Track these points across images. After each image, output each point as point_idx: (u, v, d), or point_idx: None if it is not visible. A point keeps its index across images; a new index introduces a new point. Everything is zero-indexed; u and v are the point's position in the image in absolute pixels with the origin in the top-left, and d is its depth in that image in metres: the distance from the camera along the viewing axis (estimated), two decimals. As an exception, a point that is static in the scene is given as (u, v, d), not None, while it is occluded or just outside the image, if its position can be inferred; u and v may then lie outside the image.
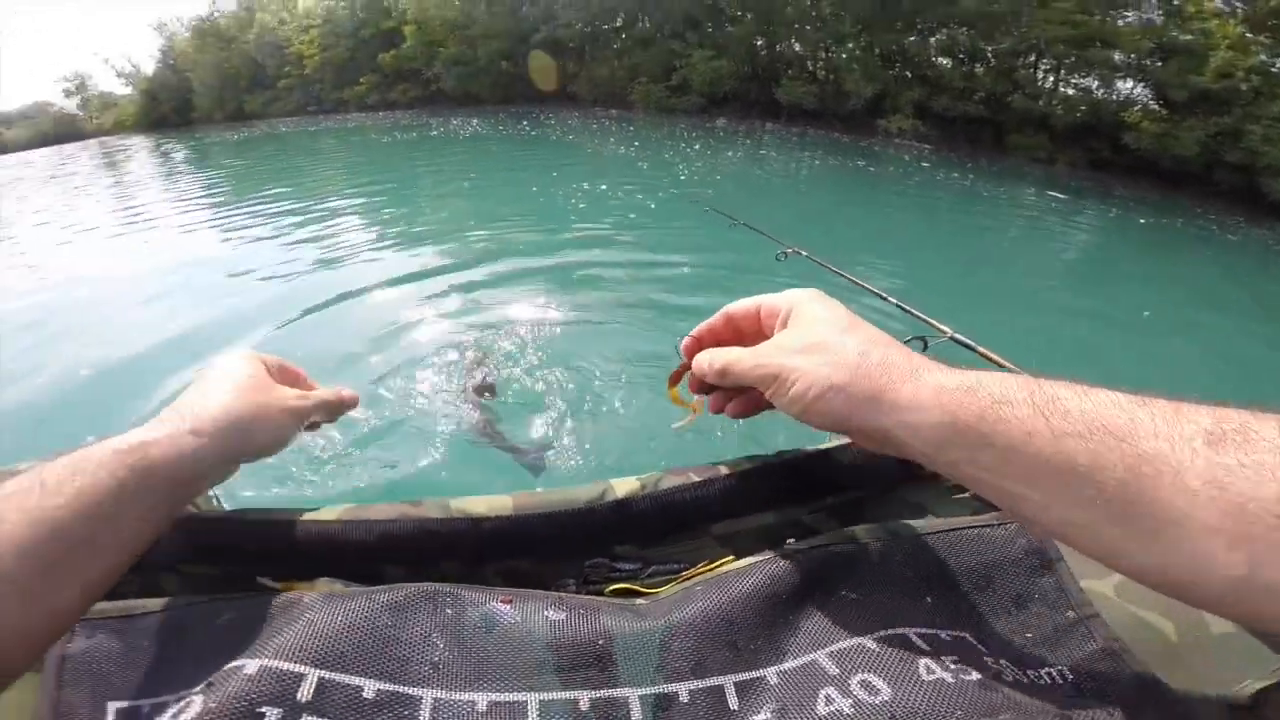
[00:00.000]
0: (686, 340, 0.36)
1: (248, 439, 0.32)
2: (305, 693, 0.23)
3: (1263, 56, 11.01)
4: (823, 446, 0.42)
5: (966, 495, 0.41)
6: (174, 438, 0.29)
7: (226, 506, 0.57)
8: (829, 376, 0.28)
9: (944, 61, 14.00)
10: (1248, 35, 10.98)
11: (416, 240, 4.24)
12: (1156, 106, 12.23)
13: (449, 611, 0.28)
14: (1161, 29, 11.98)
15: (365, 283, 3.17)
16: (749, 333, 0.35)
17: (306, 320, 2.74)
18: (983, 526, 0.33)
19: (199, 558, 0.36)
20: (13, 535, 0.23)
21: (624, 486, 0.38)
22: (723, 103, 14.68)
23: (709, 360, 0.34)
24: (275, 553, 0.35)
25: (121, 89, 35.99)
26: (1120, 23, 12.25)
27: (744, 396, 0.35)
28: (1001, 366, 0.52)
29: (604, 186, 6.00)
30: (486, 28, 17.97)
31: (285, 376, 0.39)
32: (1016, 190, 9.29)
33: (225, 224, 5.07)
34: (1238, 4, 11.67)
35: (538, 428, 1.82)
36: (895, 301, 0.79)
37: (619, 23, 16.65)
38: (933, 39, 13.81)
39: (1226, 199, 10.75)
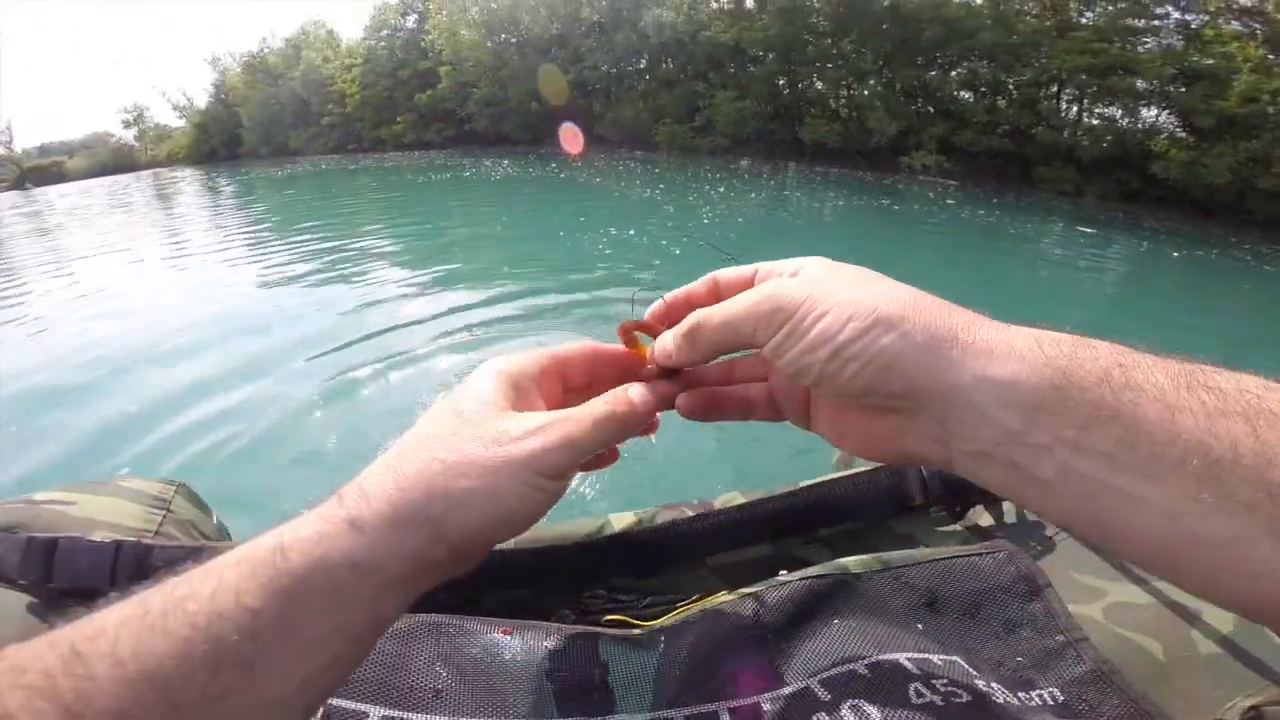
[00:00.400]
0: (657, 306, 0.28)
1: (444, 526, 0.21)
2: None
3: None
4: (816, 481, 0.42)
5: (957, 527, 0.42)
6: (325, 537, 0.20)
7: (235, 537, 0.57)
8: (874, 306, 0.20)
9: (966, 95, 14.07)
10: (1269, 57, 10.84)
11: (451, 280, 4.39)
12: (1183, 134, 12.05)
13: (452, 641, 0.28)
14: (1182, 54, 11.84)
15: (398, 319, 3.31)
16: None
17: (343, 352, 2.85)
18: (972, 556, 0.34)
19: None
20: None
21: (621, 521, 0.39)
22: (746, 143, 14.89)
23: (675, 329, 0.26)
24: None
25: (176, 121, 38.89)
26: (1141, 49, 12.18)
27: (709, 389, 0.28)
28: None
29: (631, 231, 6.11)
30: (517, 70, 18.82)
31: (545, 381, 0.26)
32: (1044, 225, 9.16)
33: (272, 258, 5.34)
34: (1256, 25, 11.61)
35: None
36: None
37: (643, 64, 17.28)
38: (953, 73, 13.93)
39: (1262, 227, 10.43)
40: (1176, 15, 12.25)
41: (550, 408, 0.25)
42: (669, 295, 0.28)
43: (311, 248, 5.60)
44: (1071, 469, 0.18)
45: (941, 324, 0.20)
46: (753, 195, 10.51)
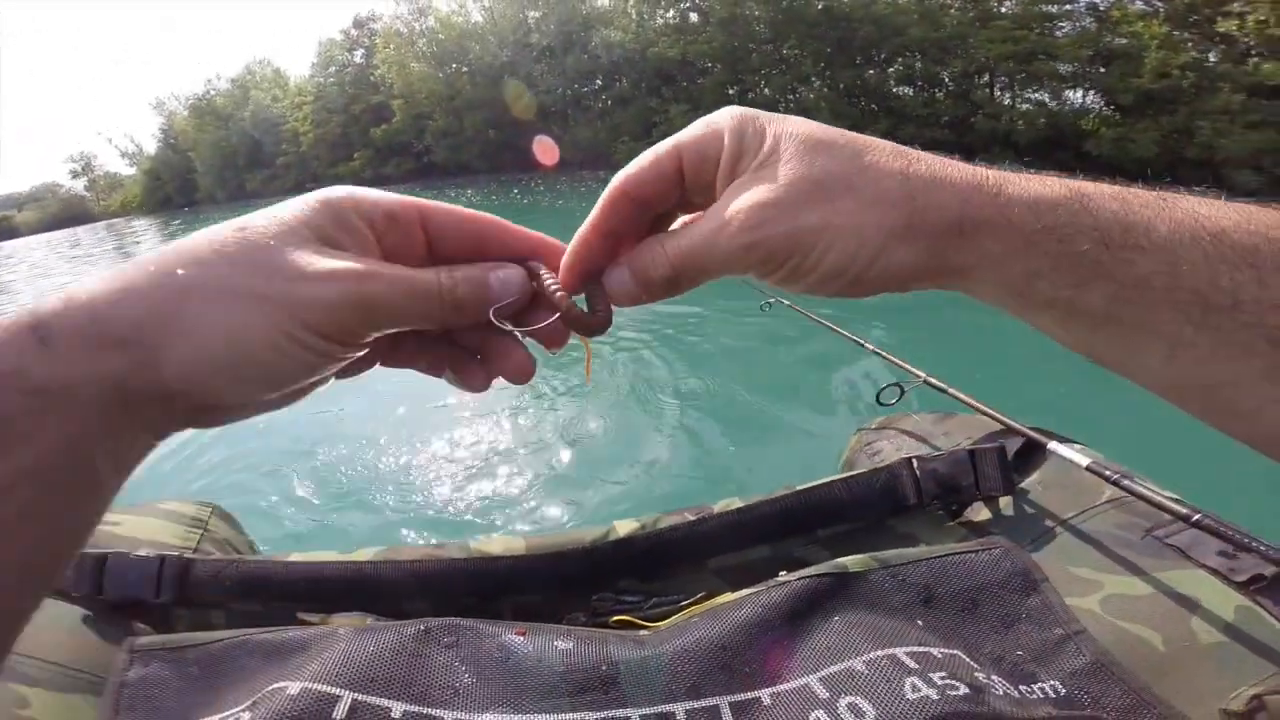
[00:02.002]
0: (569, 257, 0.22)
1: (157, 354, 0.16)
2: (340, 712, 0.25)
3: (1194, 53, 11.58)
4: (813, 484, 0.43)
5: (954, 525, 0.43)
6: (6, 355, 0.15)
7: (264, 549, 0.59)
8: (880, 222, 0.19)
9: (905, 91, 14.69)
10: (1174, 34, 11.54)
11: None
12: (1110, 112, 12.77)
13: (469, 642, 0.30)
14: (1096, 36, 12.62)
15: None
16: (667, 210, 0.23)
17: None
18: (968, 552, 0.34)
19: (246, 597, 0.40)
20: None
21: (625, 527, 0.41)
22: (702, 153, 15.39)
23: (650, 259, 0.21)
24: (316, 590, 0.39)
25: (126, 169, 37.65)
26: (1059, 34, 12.89)
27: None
28: (978, 410, 0.52)
29: None
30: (471, 99, 18.91)
31: (390, 231, 0.20)
32: None
33: None
34: (1158, 4, 12.34)
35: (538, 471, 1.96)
36: (872, 348, 0.80)
37: (599, 84, 17.59)
38: (890, 70, 14.53)
39: (1198, 195, 11.33)
40: None
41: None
42: (580, 234, 0.22)
43: None
44: (1106, 313, 0.18)
45: (949, 218, 0.18)
46: None
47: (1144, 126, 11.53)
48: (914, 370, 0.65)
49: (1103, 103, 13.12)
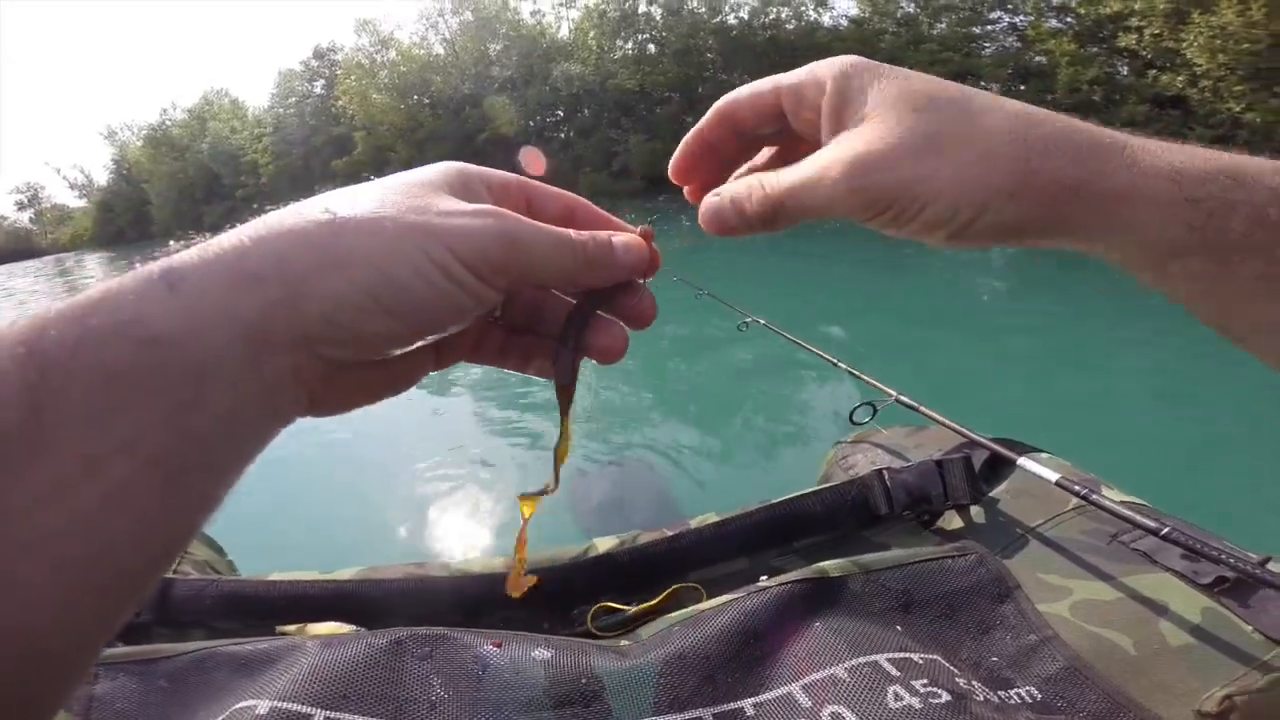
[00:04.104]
0: (678, 157, 0.24)
1: (304, 288, 0.15)
2: None
3: (1109, 69, 12.56)
4: (788, 496, 0.43)
5: (927, 534, 0.43)
6: (110, 297, 0.13)
7: (242, 571, 0.56)
8: (985, 179, 0.18)
9: None
10: (1082, 50, 12.42)
11: None
12: None
13: (444, 654, 0.29)
14: (1017, 55, 13.61)
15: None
16: (764, 137, 0.24)
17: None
18: (945, 558, 0.35)
19: (227, 615, 0.39)
20: None
21: (605, 544, 0.42)
22: (662, 181, 15.66)
23: (747, 192, 0.21)
24: (297, 608, 0.38)
25: (75, 201, 36.17)
26: (984, 54, 13.84)
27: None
28: (948, 427, 0.54)
29: None
30: (433, 130, 19.08)
31: (505, 198, 0.21)
32: None
33: None
34: (1069, 20, 13.33)
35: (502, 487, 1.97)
36: (845, 367, 0.81)
37: (560, 115, 18.00)
38: None
39: None
40: (1007, 19, 14.11)
41: None
42: (679, 154, 0.25)
43: None
44: (1260, 289, 0.18)
45: (1067, 177, 0.18)
46: (675, 228, 11.28)
47: None
48: (885, 389, 0.66)
49: None
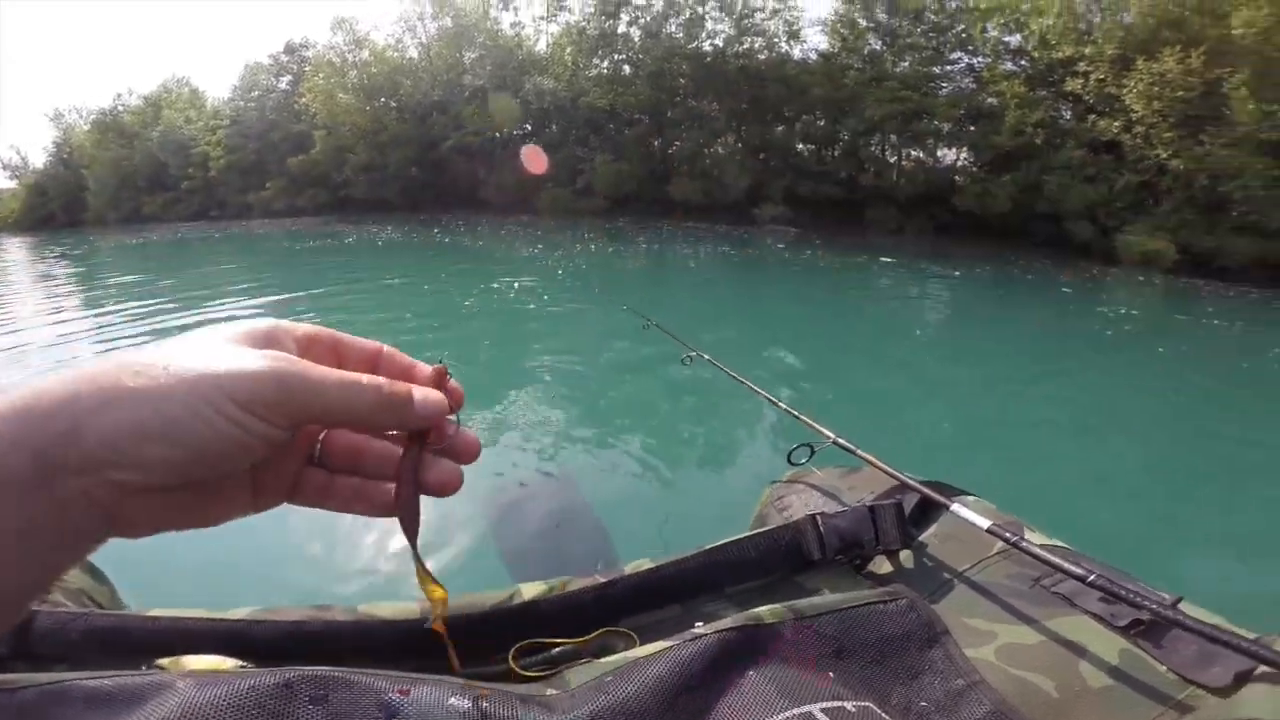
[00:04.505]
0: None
1: (84, 422, 0.17)
2: None
3: (1053, 113, 13.06)
4: (722, 542, 0.43)
5: (858, 578, 0.44)
6: None
7: (130, 604, 0.50)
8: None
9: (804, 148, 15.70)
10: (1031, 93, 12.94)
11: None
12: (976, 169, 14.11)
13: (341, 699, 0.26)
14: (971, 96, 14.04)
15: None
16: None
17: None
18: (877, 602, 0.35)
19: (98, 651, 0.35)
20: None
21: (531, 590, 0.40)
22: (624, 202, 15.62)
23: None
24: (179, 647, 0.33)
25: (5, 182, 33.89)
26: (941, 94, 14.29)
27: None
28: (882, 469, 0.56)
29: (526, 301, 6.08)
30: (396, 134, 18.49)
31: (310, 350, 0.23)
32: (875, 261, 10.41)
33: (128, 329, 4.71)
34: (1023, 63, 13.99)
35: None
36: (785, 407, 0.84)
37: (528, 128, 17.71)
38: (796, 126, 15.51)
39: (1043, 248, 12.26)
40: (966, 60, 14.68)
41: None
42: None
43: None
44: None
45: None
46: (633, 252, 11.02)
47: (1002, 181, 12.79)
48: (823, 431, 0.68)
49: (970, 159, 14.58)
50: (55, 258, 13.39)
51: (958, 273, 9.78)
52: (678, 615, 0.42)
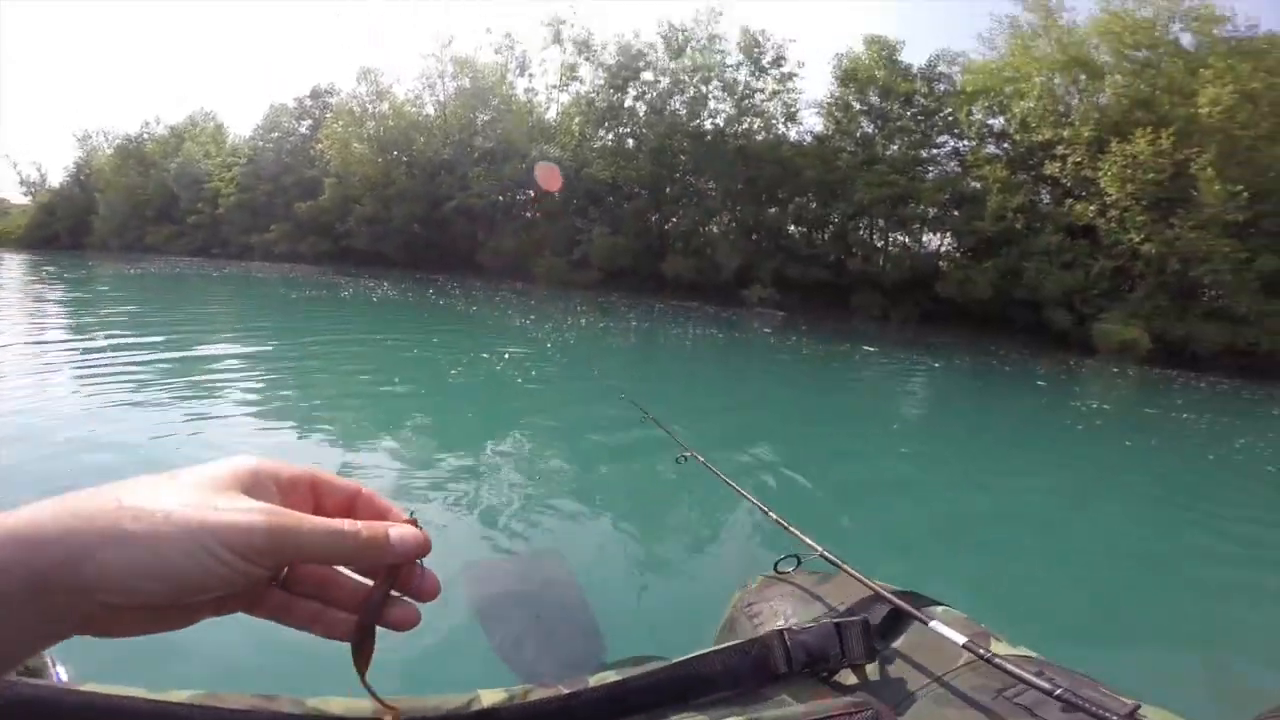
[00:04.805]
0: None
1: (86, 559, 0.19)
2: None
3: (1033, 197, 13.45)
4: (688, 656, 0.44)
5: (825, 688, 0.45)
6: None
7: (61, 672, 0.48)
8: None
9: (795, 230, 16.13)
10: (1013, 176, 13.33)
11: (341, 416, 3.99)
12: (959, 254, 14.42)
13: None
14: (955, 180, 14.45)
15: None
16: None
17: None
18: (841, 715, 0.35)
19: None
20: None
21: (491, 697, 0.39)
22: (618, 275, 15.93)
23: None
24: None
25: (20, 197, 34.35)
26: (927, 178, 14.76)
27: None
28: (855, 578, 0.58)
29: (514, 374, 6.03)
30: (403, 189, 19.01)
31: (293, 492, 0.25)
32: (858, 347, 10.54)
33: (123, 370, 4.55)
34: (1005, 146, 14.43)
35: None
36: (775, 517, 0.86)
37: (531, 194, 18.27)
38: (789, 208, 15.98)
39: (1021, 335, 12.45)
40: (952, 143, 15.25)
41: None
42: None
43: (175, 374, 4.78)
44: None
45: None
46: (624, 329, 11.09)
47: (983, 268, 13.03)
48: (811, 544, 0.69)
49: (953, 245, 14.91)
50: (52, 280, 13.41)
51: (938, 364, 9.89)
52: None
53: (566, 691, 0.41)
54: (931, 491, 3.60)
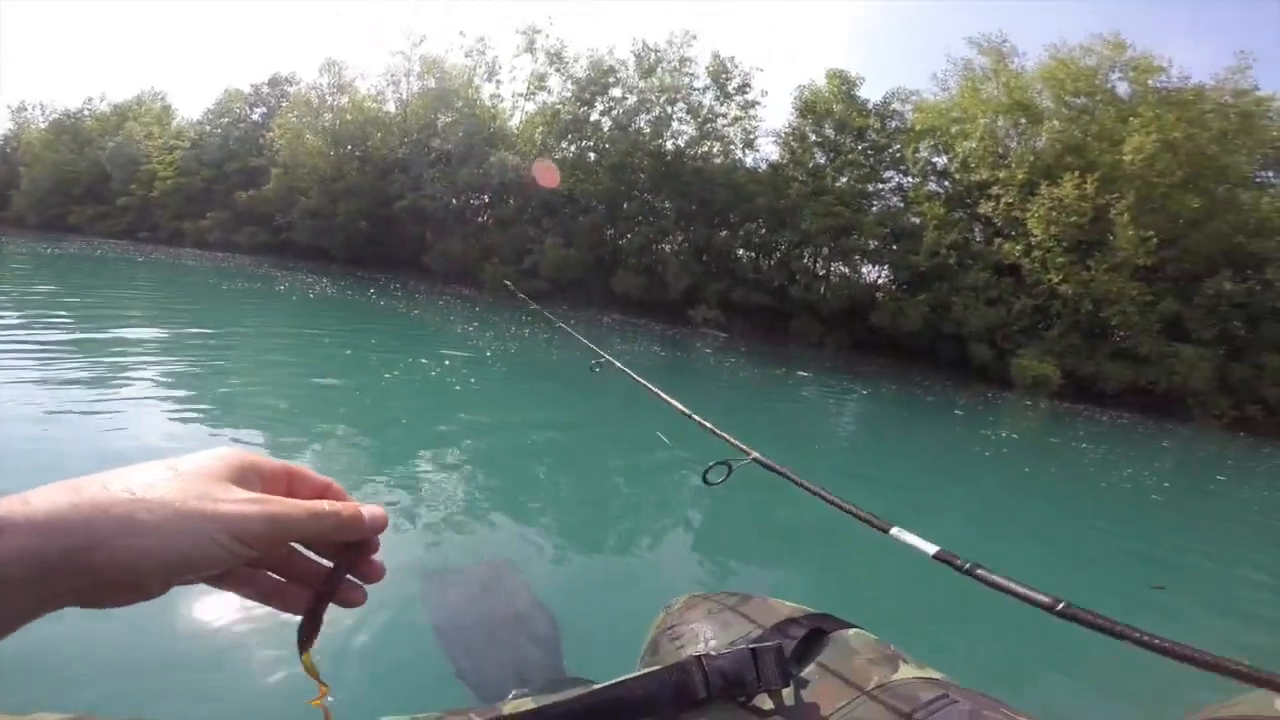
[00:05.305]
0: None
1: (99, 546, 0.21)
2: None
3: (966, 234, 13.89)
4: (608, 683, 0.43)
5: (744, 713, 0.45)
6: None
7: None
8: None
9: (742, 254, 16.39)
10: (951, 214, 13.86)
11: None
12: (894, 287, 14.86)
13: None
14: (896, 214, 14.94)
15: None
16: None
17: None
18: None
19: None
20: None
21: None
22: (566, 288, 15.80)
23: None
24: None
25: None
26: (871, 211, 15.22)
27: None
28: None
29: (452, 380, 5.75)
30: (353, 184, 18.42)
31: (272, 482, 0.28)
32: (796, 372, 10.70)
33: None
34: (946, 184, 15.03)
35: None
36: (699, 419, 0.85)
37: (485, 199, 18.01)
38: (740, 233, 16.26)
39: (947, 369, 12.93)
40: (897, 179, 15.86)
41: None
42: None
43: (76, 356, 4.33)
44: None
45: None
46: (570, 343, 10.94)
47: (916, 300, 13.48)
48: (743, 447, 0.71)
49: (890, 277, 15.40)
50: None
51: (866, 391, 10.16)
52: None
53: None
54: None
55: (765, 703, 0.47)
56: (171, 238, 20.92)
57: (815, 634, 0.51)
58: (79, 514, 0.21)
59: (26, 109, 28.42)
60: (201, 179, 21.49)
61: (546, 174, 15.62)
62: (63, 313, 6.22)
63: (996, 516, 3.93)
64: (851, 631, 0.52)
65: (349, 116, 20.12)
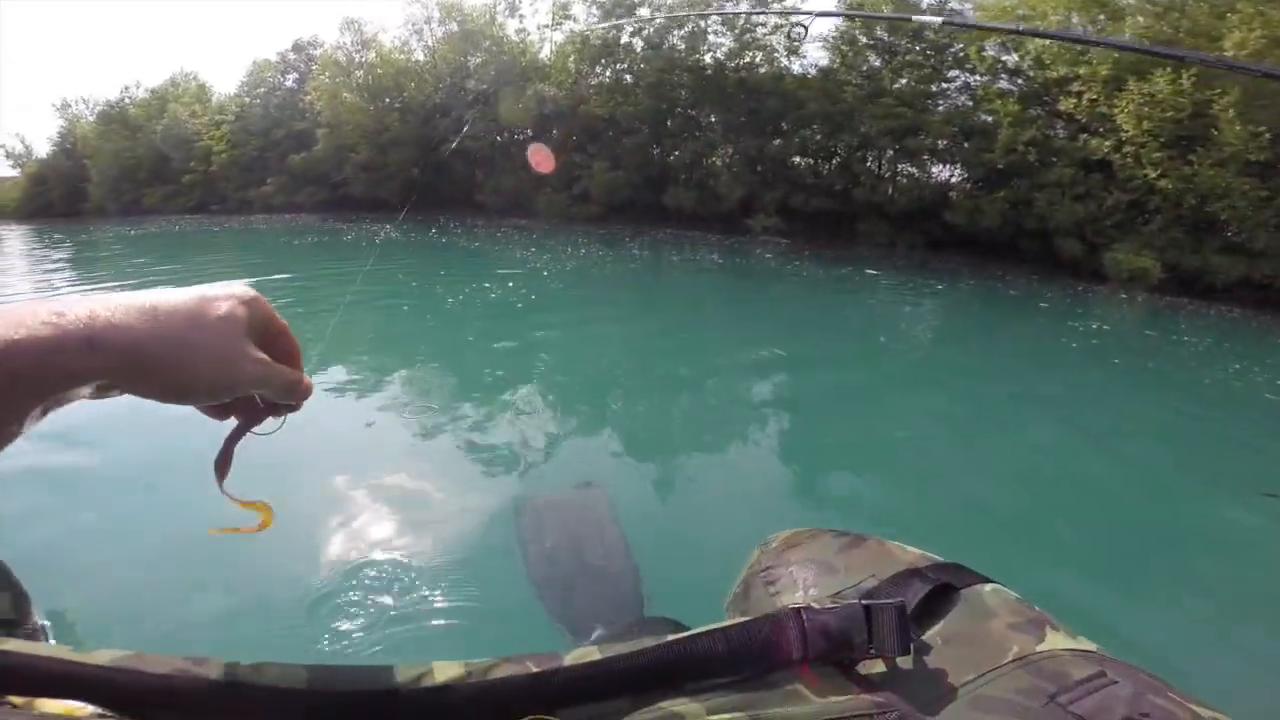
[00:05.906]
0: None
1: (156, 374, 0.29)
2: None
3: (1046, 132, 12.93)
4: (685, 634, 0.38)
5: (846, 681, 0.39)
6: (57, 351, 0.26)
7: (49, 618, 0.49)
8: None
9: (799, 161, 15.76)
10: (1026, 111, 12.87)
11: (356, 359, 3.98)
12: (969, 186, 14.15)
13: None
14: (966, 113, 14.00)
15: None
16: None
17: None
18: (861, 715, 0.32)
19: None
20: None
21: (446, 671, 0.34)
22: (620, 209, 15.77)
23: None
24: (22, 689, 0.30)
25: (8, 170, 33.89)
26: (937, 111, 14.25)
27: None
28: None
29: (514, 300, 6.16)
30: (398, 135, 18.64)
31: (272, 340, 0.36)
32: (866, 274, 10.52)
33: None
34: (1019, 81, 13.93)
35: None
36: None
37: (529, 134, 17.92)
38: (795, 140, 15.53)
39: (1030, 264, 12.35)
40: (963, 78, 14.76)
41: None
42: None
43: None
44: None
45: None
46: (628, 258, 11.14)
47: (992, 198, 12.82)
48: None
49: (963, 176, 14.61)
50: (54, 244, 13.46)
51: (941, 285, 9.90)
52: (624, 708, 0.36)
53: (535, 670, 0.35)
54: (917, 430, 3.31)
55: (875, 666, 0.39)
56: (240, 207, 21.92)
57: (943, 589, 0.42)
58: (160, 340, 0.29)
59: (71, 105, 29.63)
60: (253, 148, 22.21)
61: (542, 160, 15.39)
62: (160, 281, 6.78)
63: (1088, 412, 3.60)
64: (989, 588, 0.43)
65: (380, 70, 20.10)
